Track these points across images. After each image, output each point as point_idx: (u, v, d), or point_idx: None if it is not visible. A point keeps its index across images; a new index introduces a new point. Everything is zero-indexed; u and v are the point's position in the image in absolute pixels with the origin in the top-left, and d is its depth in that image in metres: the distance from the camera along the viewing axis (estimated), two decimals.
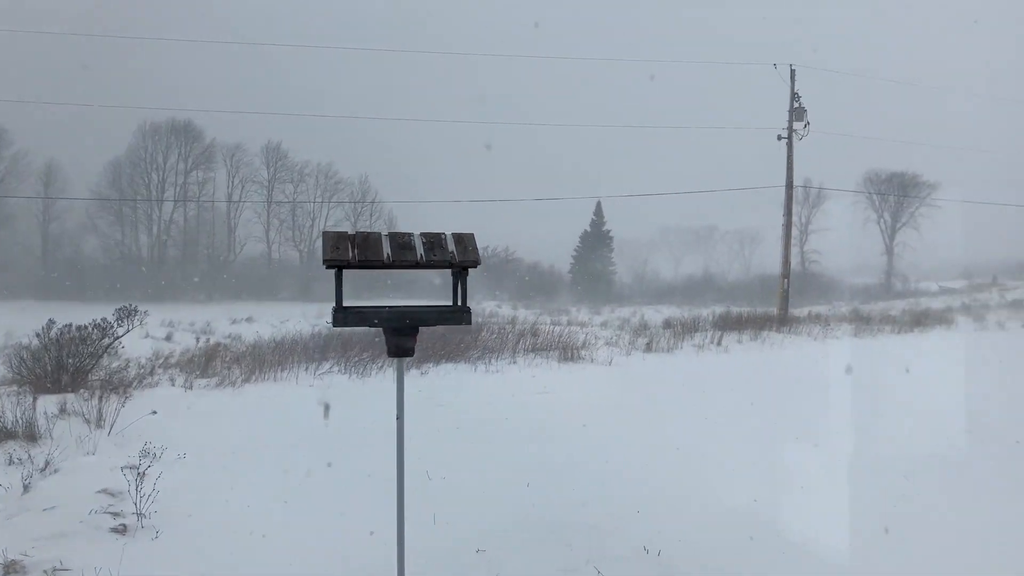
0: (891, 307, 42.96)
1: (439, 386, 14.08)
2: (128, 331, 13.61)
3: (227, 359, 16.33)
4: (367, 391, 13.71)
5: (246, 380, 14.28)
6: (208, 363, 15.50)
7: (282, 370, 15.23)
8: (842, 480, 8.29)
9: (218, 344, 19.10)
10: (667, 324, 27.46)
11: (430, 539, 5.97)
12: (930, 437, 10.14)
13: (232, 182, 70.39)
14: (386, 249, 3.84)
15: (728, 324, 26.45)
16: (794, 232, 33.74)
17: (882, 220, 75.20)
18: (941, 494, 7.68)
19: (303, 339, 19.47)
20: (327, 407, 11.96)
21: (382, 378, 14.86)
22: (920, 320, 30.85)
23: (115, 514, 6.58)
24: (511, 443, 9.69)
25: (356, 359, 16.10)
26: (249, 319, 34.91)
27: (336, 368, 15.66)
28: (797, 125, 31.64)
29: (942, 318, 32.24)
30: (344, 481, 7.89)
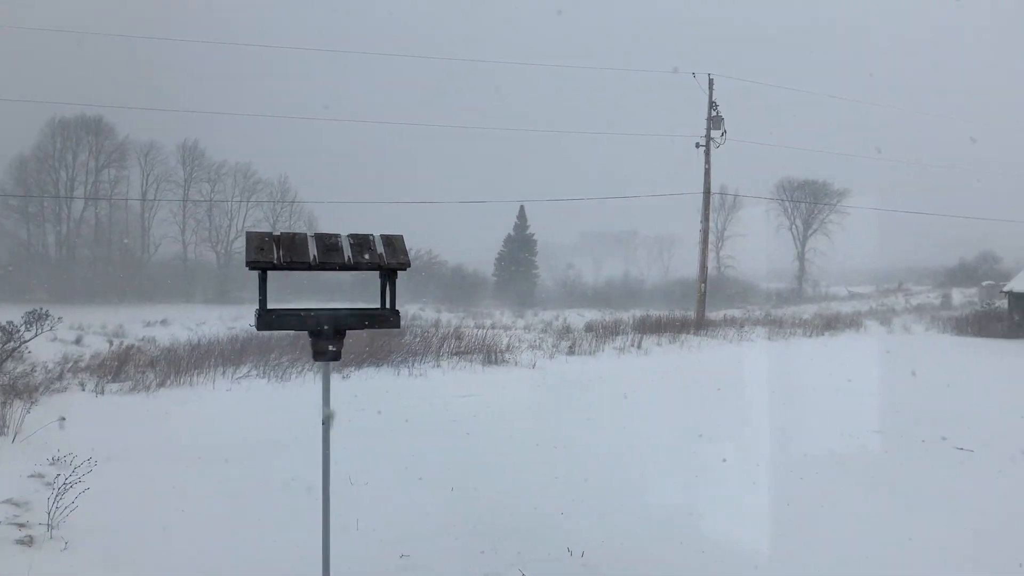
0: (803, 311, 44.46)
1: (361, 390, 13.92)
2: (36, 335, 13.03)
3: (141, 363, 15.77)
4: (287, 395, 13.47)
5: (161, 385, 13.84)
6: (120, 367, 14.94)
7: (199, 374, 14.82)
8: (758, 479, 8.54)
9: (131, 347, 18.41)
10: (589, 327, 27.79)
11: (353, 546, 5.89)
12: (842, 437, 10.51)
13: (146, 181, 68.00)
14: (312, 250, 3.78)
15: (648, 327, 26.94)
16: (711, 238, 34.59)
17: (794, 227, 77.72)
18: (853, 491, 7.98)
19: (220, 342, 18.96)
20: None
21: (302, 382, 14.61)
22: (830, 324, 32.01)
23: (21, 525, 6.29)
24: (435, 447, 9.66)
25: (275, 363, 15.78)
26: (164, 322, 33.80)
27: (254, 372, 15.32)
28: (715, 133, 32.42)
29: (851, 322, 33.52)
30: (264, 488, 7.73)
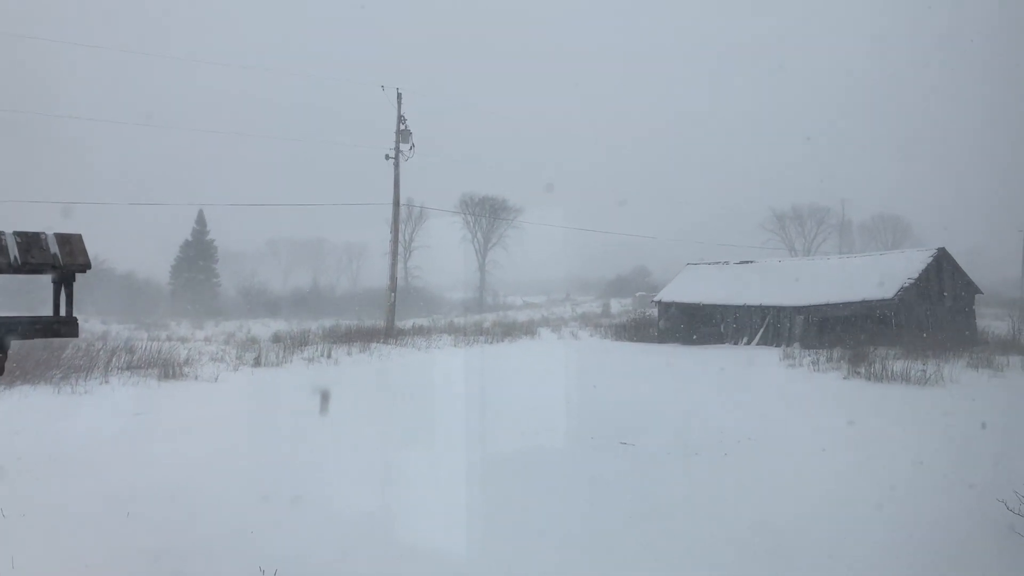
0: (484, 319, 46.92)
1: (14, 411, 12.24)
2: None
3: None
4: None
5: None
6: None
7: None
8: (450, 481, 8.87)
9: None
10: (276, 338, 26.94)
11: None
12: (524, 436, 11.25)
13: None
14: None
15: (338, 337, 26.77)
16: (399, 248, 35.23)
17: (476, 240, 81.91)
18: (538, 487, 8.59)
19: None
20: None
21: None
22: (509, 331, 34.15)
23: None
24: (106, 471, 8.77)
25: None
26: None
27: None
28: (403, 147, 33.15)
29: (527, 329, 36.01)
30: None
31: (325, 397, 13.60)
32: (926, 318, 28.65)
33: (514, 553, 6.35)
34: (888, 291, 28.13)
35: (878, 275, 29.39)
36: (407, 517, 7.39)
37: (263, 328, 36.24)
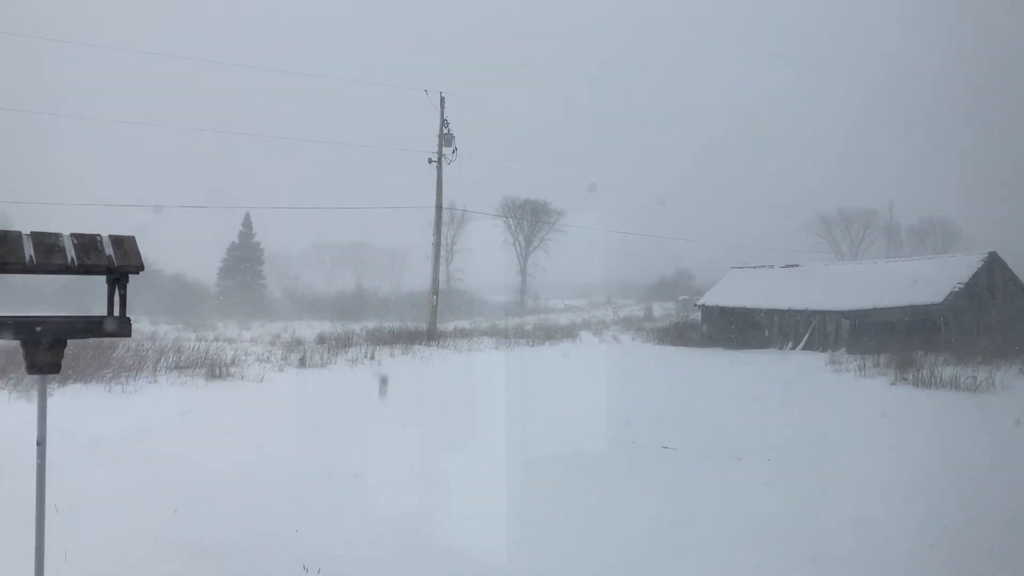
0: (525, 322, 46.96)
1: (65, 409, 12.55)
2: None
3: None
4: None
5: None
6: None
7: None
8: (492, 484, 8.90)
9: None
10: (321, 339, 27.27)
11: None
12: (570, 438, 11.24)
13: None
14: (28, 250, 3.37)
15: (381, 339, 27.02)
16: (441, 252, 35.44)
17: (517, 243, 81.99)
18: (578, 490, 8.57)
19: None
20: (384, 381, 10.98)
21: None
22: (550, 334, 34.12)
23: None
24: (154, 468, 8.96)
25: None
26: None
27: None
28: (446, 150, 33.36)
29: (569, 333, 35.96)
30: None
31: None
32: (976, 323, 27.97)
33: (555, 557, 6.34)
34: (937, 296, 27.54)
35: (927, 279, 28.80)
36: (448, 519, 7.43)
37: (308, 329, 36.68)
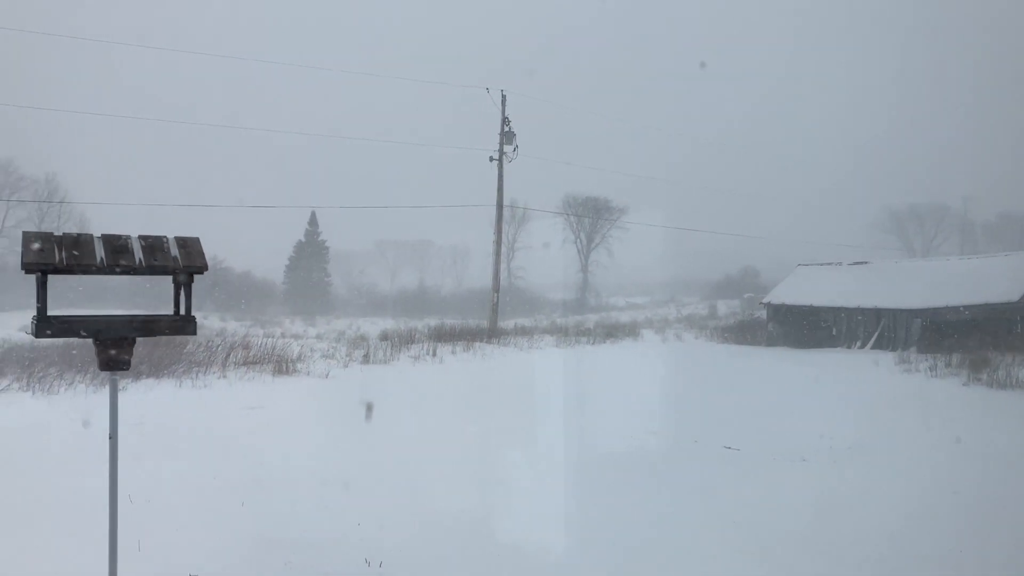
0: (586, 320, 46.79)
1: (140, 403, 13.00)
2: None
3: None
4: (54, 410, 12.31)
5: None
6: None
7: None
8: (552, 481, 8.91)
9: None
10: (384, 336, 27.65)
11: (137, 567, 5.50)
12: (630, 437, 11.18)
13: None
14: (99, 252, 3.52)
15: (443, 336, 27.24)
16: (502, 249, 35.57)
17: (579, 240, 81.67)
18: (636, 489, 8.52)
19: None
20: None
21: (72, 395, 13.42)
22: (612, 332, 33.93)
23: None
24: (222, 461, 9.22)
25: (41, 375, 14.36)
26: None
27: (16, 385, 13.87)
28: (507, 148, 33.45)
29: (630, 331, 35.70)
30: (37, 509, 7.03)
31: (424, 396, 13.74)
32: None
33: (613, 557, 6.32)
34: (1014, 294, 26.52)
35: (1002, 277, 27.76)
36: (507, 516, 7.46)
37: (372, 326, 37.23)
